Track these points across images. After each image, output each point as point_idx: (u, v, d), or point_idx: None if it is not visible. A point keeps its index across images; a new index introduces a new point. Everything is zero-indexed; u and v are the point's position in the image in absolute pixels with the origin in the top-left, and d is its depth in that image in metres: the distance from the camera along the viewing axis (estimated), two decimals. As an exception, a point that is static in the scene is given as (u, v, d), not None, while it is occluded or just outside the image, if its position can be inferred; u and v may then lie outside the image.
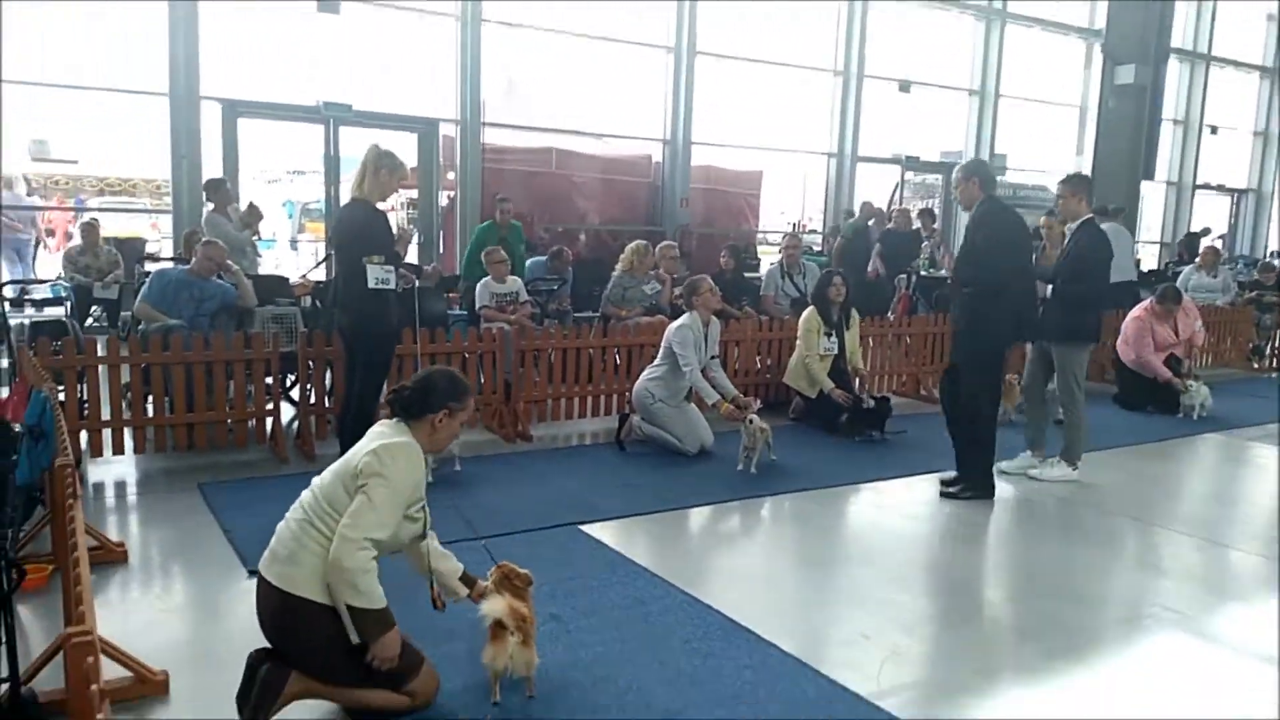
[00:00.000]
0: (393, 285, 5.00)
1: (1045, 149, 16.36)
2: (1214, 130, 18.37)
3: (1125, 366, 8.22)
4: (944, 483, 5.41)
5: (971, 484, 5.30)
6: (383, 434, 2.87)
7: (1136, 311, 8.24)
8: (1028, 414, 6.06)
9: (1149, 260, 16.48)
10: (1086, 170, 16.28)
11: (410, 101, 11.24)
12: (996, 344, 5.25)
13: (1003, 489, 5.49)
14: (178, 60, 9.74)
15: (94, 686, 1.59)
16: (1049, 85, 16.30)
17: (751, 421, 5.65)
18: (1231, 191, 19.39)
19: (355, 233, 4.97)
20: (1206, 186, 18.70)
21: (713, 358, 6.23)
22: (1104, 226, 9.83)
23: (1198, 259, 11.22)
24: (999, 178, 15.48)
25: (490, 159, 11.77)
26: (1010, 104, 15.72)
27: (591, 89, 12.52)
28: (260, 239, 8.92)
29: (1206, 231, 15.66)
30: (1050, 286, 5.74)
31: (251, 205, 8.58)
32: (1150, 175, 16.95)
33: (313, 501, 2.78)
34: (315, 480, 2.87)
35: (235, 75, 10.14)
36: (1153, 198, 17.92)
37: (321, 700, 2.80)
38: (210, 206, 8.38)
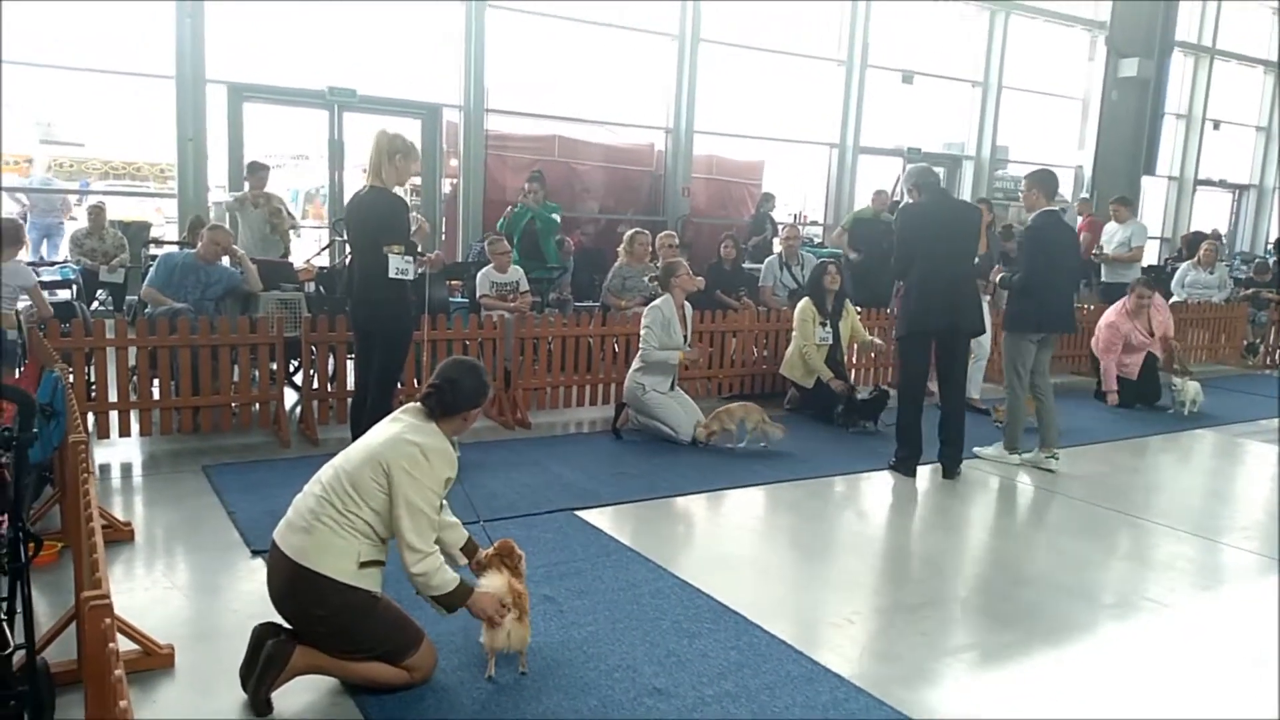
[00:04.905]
0: (410, 275, 4.90)
1: (1047, 142, 16.37)
2: (1216, 125, 18.37)
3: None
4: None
5: (899, 461, 5.70)
6: (415, 427, 2.92)
7: (1109, 316, 8.31)
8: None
9: (1149, 256, 16.51)
10: (1088, 164, 16.34)
11: (414, 87, 11.30)
12: (907, 332, 5.64)
13: (988, 481, 5.62)
14: (184, 43, 9.79)
15: (111, 645, 1.69)
16: (1052, 78, 16.29)
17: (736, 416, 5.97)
18: (1233, 187, 19.41)
19: (376, 221, 4.83)
20: (1208, 182, 18.71)
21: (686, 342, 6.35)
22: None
23: (1198, 256, 11.28)
24: (1000, 171, 15.64)
25: (493, 146, 11.84)
26: (1013, 96, 15.73)
27: (596, 77, 12.55)
28: (295, 229, 9.07)
29: (1217, 235, 15.65)
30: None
31: (278, 210, 8.63)
32: (1152, 170, 16.97)
33: (335, 481, 2.86)
34: (340, 459, 2.93)
35: (241, 59, 10.20)
36: (1153, 193, 17.93)
37: (323, 676, 2.91)
38: (247, 187, 8.63)
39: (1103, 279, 10.29)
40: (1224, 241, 17.34)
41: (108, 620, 1.78)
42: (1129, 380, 8.13)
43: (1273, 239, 18.48)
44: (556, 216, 8.57)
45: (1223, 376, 9.88)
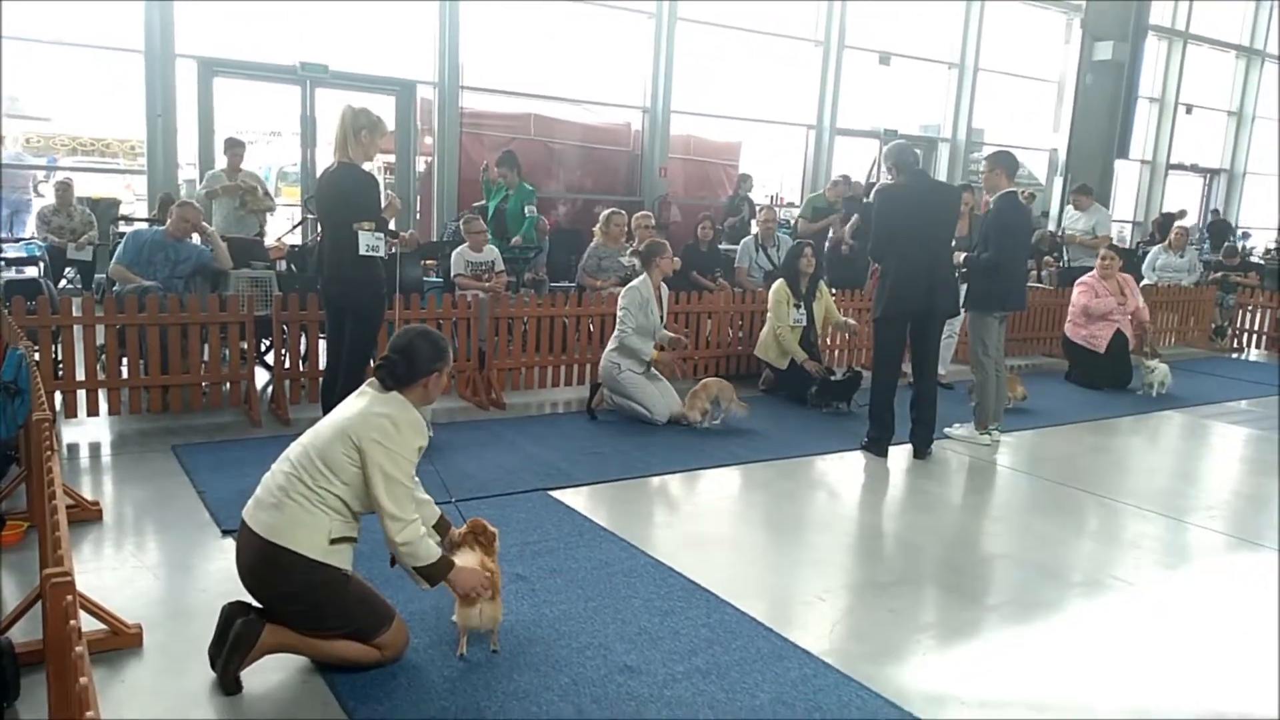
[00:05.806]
0: (382, 252, 4.88)
1: (1023, 124, 16.45)
2: (1189, 109, 18.53)
3: (1073, 344, 8.45)
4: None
5: (871, 441, 5.72)
6: (381, 399, 2.90)
7: (1083, 278, 8.56)
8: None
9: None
10: (1063, 147, 16.43)
11: (388, 63, 11.16)
12: (884, 314, 5.62)
13: (958, 461, 5.68)
14: (153, 16, 9.63)
15: (73, 622, 1.67)
16: (1028, 60, 16.36)
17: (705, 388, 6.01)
18: (1204, 171, 19.60)
19: (346, 198, 4.79)
20: (1180, 166, 18.89)
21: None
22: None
23: (1169, 239, 11.41)
24: (975, 154, 15.70)
25: (468, 123, 11.73)
26: (989, 78, 15.78)
27: (573, 55, 12.46)
28: (269, 210, 8.95)
29: (1183, 213, 15.82)
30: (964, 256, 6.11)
31: (253, 189, 8.51)
32: (1125, 154, 17.09)
33: (304, 457, 2.83)
34: (308, 436, 2.91)
35: (211, 33, 10.03)
36: (1126, 176, 18.09)
37: (292, 654, 2.90)
38: (223, 163, 8.56)
39: (1068, 265, 10.38)
40: (1195, 224, 17.54)
41: (69, 597, 1.76)
42: (1098, 355, 8.23)
43: (1248, 226, 18.72)
44: (532, 210, 8.41)
45: (1191, 359, 10.01)
